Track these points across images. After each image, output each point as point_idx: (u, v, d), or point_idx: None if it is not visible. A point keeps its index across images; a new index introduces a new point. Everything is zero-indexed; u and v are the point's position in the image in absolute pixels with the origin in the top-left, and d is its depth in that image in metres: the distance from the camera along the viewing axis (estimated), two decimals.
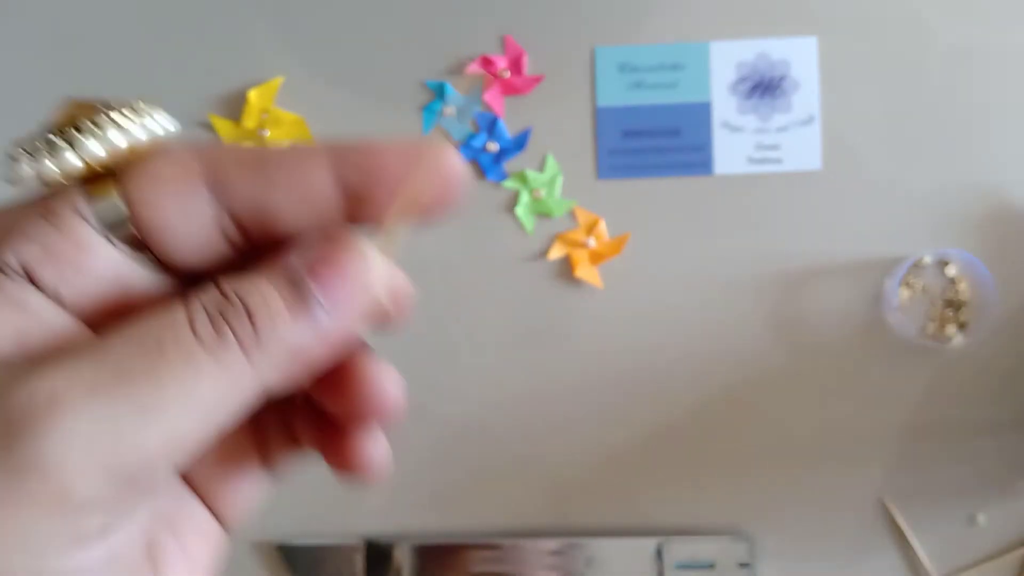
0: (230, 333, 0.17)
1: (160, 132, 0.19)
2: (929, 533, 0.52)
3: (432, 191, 0.19)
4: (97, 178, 0.18)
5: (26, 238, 0.17)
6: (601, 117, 0.52)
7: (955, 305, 0.52)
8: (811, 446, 0.52)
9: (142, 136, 0.19)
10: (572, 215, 0.52)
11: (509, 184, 0.52)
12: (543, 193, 0.52)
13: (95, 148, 0.18)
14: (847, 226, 0.52)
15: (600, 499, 0.53)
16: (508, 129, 0.53)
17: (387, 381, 0.20)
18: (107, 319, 0.18)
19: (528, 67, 0.52)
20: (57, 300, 0.17)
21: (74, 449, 0.15)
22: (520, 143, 0.52)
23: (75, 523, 0.15)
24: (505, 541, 0.52)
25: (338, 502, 0.53)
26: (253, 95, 0.52)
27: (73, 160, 0.18)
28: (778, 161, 0.52)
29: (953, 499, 0.52)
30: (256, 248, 0.19)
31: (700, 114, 0.52)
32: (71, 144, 0.18)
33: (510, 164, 0.53)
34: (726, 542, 0.51)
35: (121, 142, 0.18)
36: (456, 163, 0.19)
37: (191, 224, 0.19)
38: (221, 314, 0.17)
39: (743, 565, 0.51)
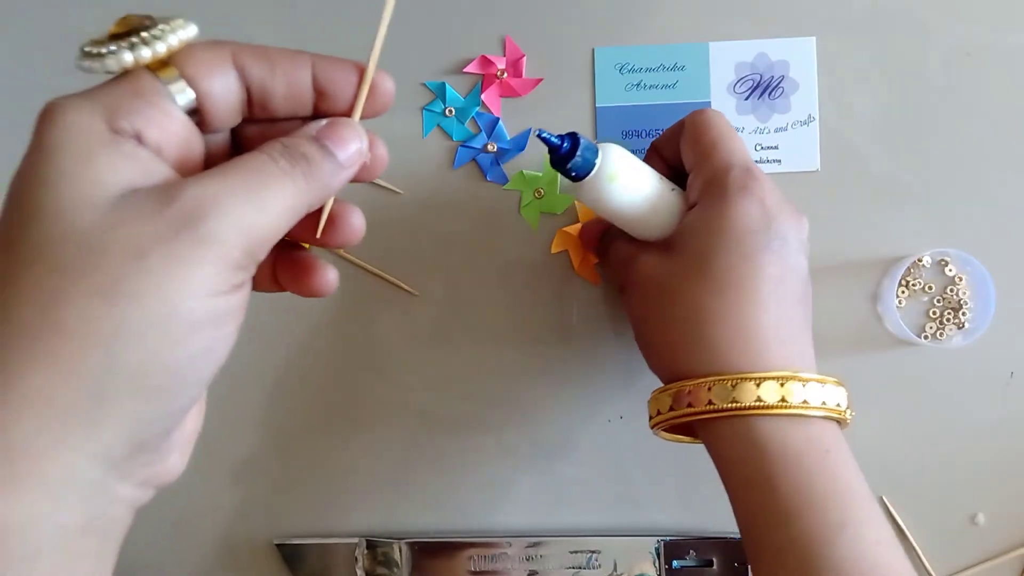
0: (298, 166, 0.27)
1: (193, 34, 0.27)
2: (929, 533, 0.52)
3: (373, 99, 0.32)
4: (161, 65, 0.27)
5: (132, 111, 0.26)
6: (601, 117, 0.52)
7: (954, 305, 0.52)
8: None
9: (185, 36, 0.27)
10: (572, 210, 0.53)
11: (510, 187, 0.52)
12: (544, 191, 0.52)
13: (158, 44, 0.26)
14: (846, 226, 0.52)
15: (600, 498, 0.53)
16: (508, 130, 0.53)
17: (357, 217, 0.32)
18: (183, 167, 0.27)
19: (528, 67, 0.53)
20: (158, 153, 0.26)
21: (232, 229, 0.25)
22: (520, 144, 0.52)
23: (231, 276, 0.25)
24: (505, 540, 0.52)
25: (338, 502, 0.53)
26: None
27: (145, 52, 0.26)
28: (777, 161, 0.52)
29: (953, 499, 0.52)
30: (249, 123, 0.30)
31: None
32: (142, 42, 0.26)
33: (509, 165, 0.53)
34: (725, 541, 0.51)
35: (173, 40, 0.26)
36: (388, 83, 0.33)
37: (227, 96, 0.28)
38: (288, 157, 0.27)
39: (741, 564, 0.51)
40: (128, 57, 0.26)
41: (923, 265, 0.52)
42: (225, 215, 0.25)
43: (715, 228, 0.41)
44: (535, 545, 0.51)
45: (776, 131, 0.52)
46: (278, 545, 0.53)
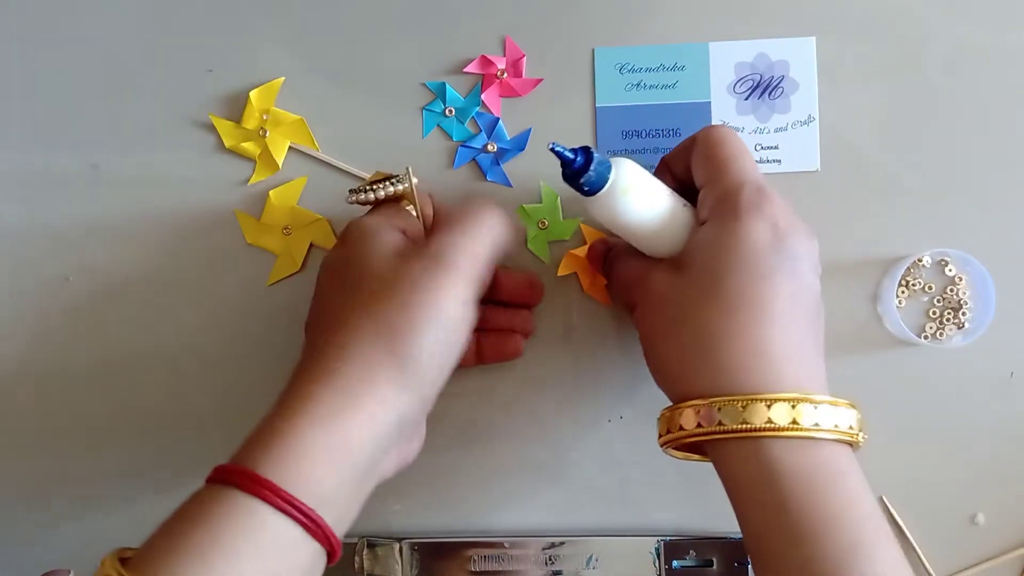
0: (495, 210, 0.44)
1: (416, 181, 0.45)
2: (929, 533, 0.52)
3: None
4: (398, 198, 0.46)
5: (397, 217, 0.45)
6: (600, 117, 0.52)
7: (954, 305, 0.52)
8: None
9: (413, 182, 0.45)
10: (579, 233, 0.52)
11: None
12: (547, 221, 0.52)
13: (400, 186, 0.45)
14: (846, 226, 0.52)
15: (600, 498, 0.53)
16: (508, 130, 0.53)
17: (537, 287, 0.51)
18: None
19: (528, 67, 0.53)
20: (415, 238, 0.44)
21: (466, 257, 0.40)
22: (520, 144, 0.52)
23: (471, 291, 0.40)
24: (505, 540, 0.52)
25: None
26: (254, 95, 0.52)
27: (390, 191, 0.45)
28: (777, 161, 0.52)
29: (953, 499, 0.52)
30: None
31: (699, 114, 0.52)
32: (394, 183, 0.45)
33: (509, 166, 0.53)
34: (725, 541, 0.51)
35: (408, 184, 0.45)
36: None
37: (427, 212, 0.47)
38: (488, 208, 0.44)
39: (741, 564, 0.51)
40: (390, 190, 0.45)
41: (923, 265, 0.52)
42: (465, 257, 0.40)
43: (726, 247, 0.41)
44: (535, 545, 0.51)
45: (776, 131, 0.52)
46: None
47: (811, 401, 0.39)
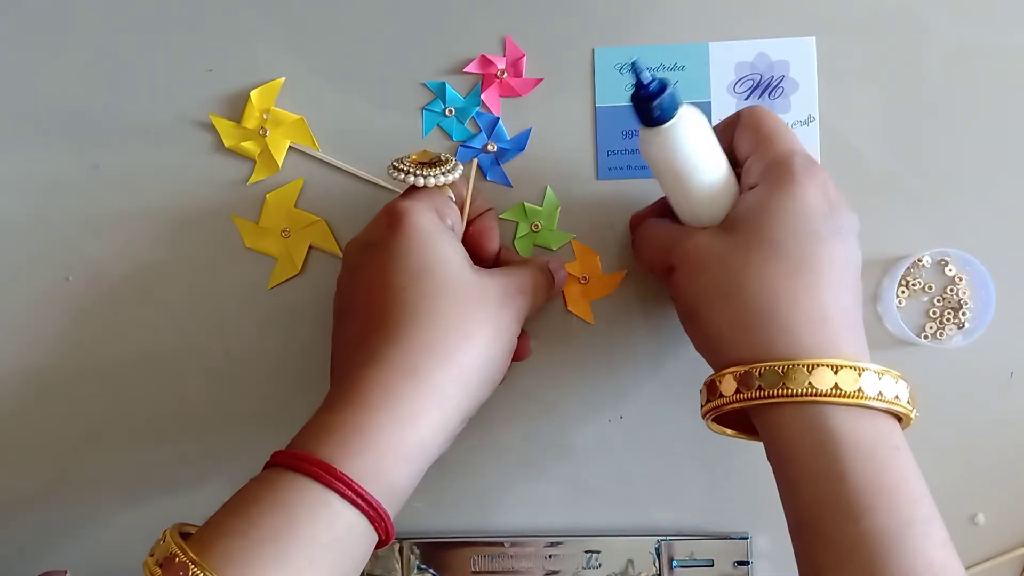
0: (545, 280, 0.48)
1: (459, 172, 0.46)
2: None
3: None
4: (440, 186, 0.46)
5: (447, 212, 0.46)
6: (601, 117, 0.52)
7: (954, 305, 0.52)
8: None
9: (459, 173, 0.46)
10: (570, 248, 0.52)
11: (508, 216, 0.52)
12: (541, 225, 0.52)
13: (450, 176, 0.46)
14: None
15: (600, 498, 0.53)
16: (508, 130, 0.53)
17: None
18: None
19: (528, 67, 0.53)
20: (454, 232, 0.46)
21: (522, 305, 0.45)
22: (520, 144, 0.52)
23: (518, 328, 0.45)
24: (505, 540, 0.52)
25: None
26: (254, 95, 0.52)
27: (444, 179, 0.45)
28: None
29: (953, 499, 0.52)
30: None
31: None
32: (446, 172, 0.46)
33: (509, 167, 0.53)
34: (725, 541, 0.51)
35: (457, 175, 0.46)
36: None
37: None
38: (544, 274, 0.48)
39: (741, 563, 0.51)
40: (441, 179, 0.45)
41: (923, 265, 0.52)
42: (516, 301, 0.44)
43: (784, 208, 0.40)
44: (535, 545, 0.51)
45: None
46: None
47: (874, 370, 0.38)
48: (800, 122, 0.52)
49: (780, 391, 0.37)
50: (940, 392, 0.52)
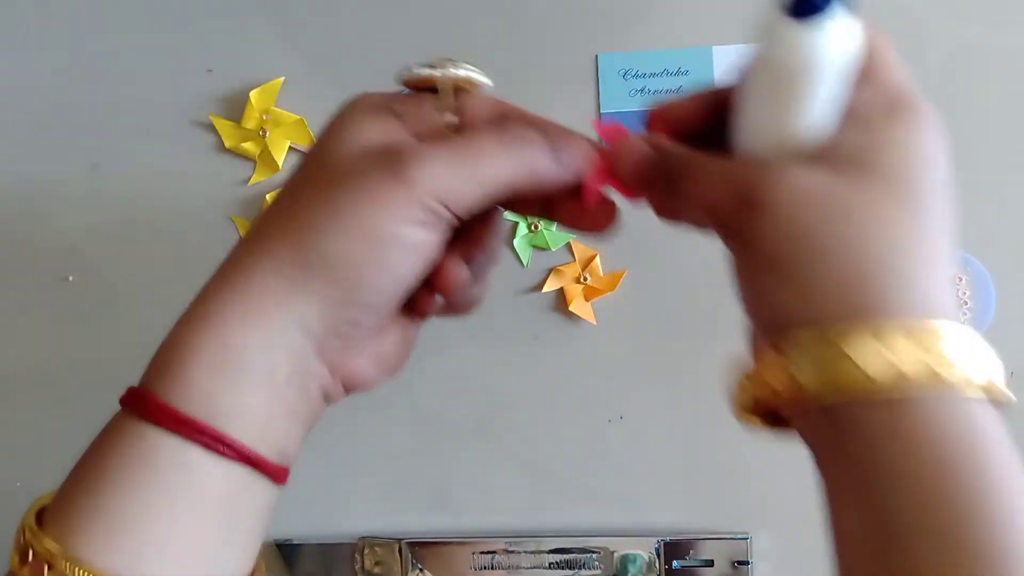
0: (514, 148, 0.34)
1: (483, 81, 0.36)
2: None
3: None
4: (448, 92, 0.36)
5: (404, 105, 0.36)
6: (605, 121, 0.52)
7: None
8: None
9: (467, 74, 0.35)
10: (568, 249, 0.52)
11: (507, 216, 0.52)
12: (540, 225, 0.52)
13: (452, 74, 0.35)
14: None
15: (600, 498, 0.53)
16: None
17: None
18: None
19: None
20: (417, 137, 0.35)
21: (427, 182, 0.32)
22: None
23: (420, 216, 0.32)
24: (505, 540, 0.52)
25: (338, 502, 0.53)
26: (254, 95, 0.52)
27: (443, 75, 0.35)
28: None
29: None
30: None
31: None
32: (441, 66, 0.35)
33: None
34: (725, 541, 0.51)
35: (461, 72, 0.35)
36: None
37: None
38: (508, 138, 0.34)
39: (741, 563, 0.51)
40: (425, 71, 0.35)
41: None
42: (426, 172, 0.32)
43: (917, 147, 0.34)
44: (535, 545, 0.51)
45: None
46: (278, 545, 0.53)
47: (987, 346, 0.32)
48: None
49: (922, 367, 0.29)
50: None
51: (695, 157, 0.36)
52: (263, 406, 0.33)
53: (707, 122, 0.37)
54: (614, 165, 0.36)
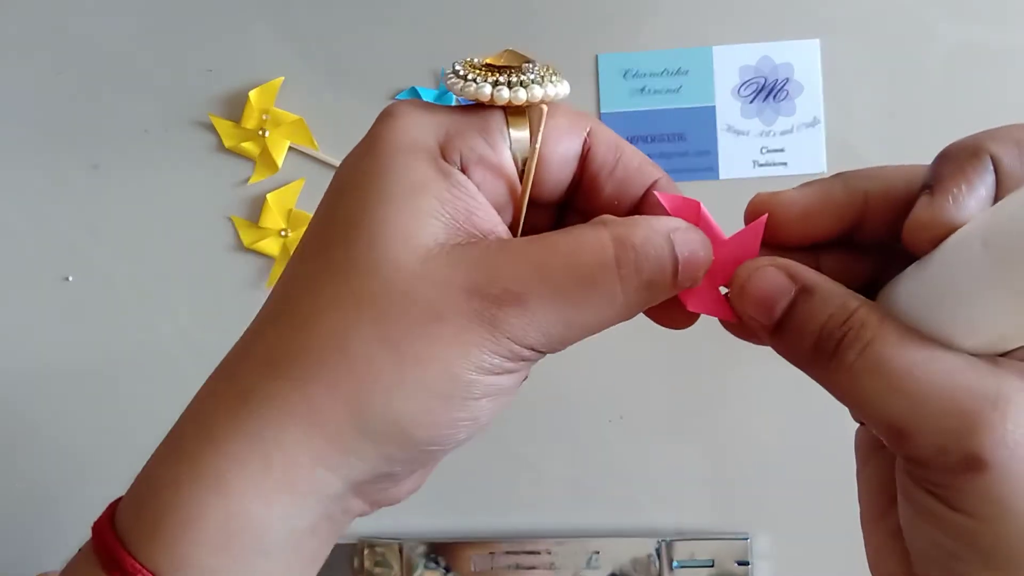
0: (634, 279, 0.24)
1: (562, 93, 0.25)
2: None
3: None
4: (517, 111, 0.25)
5: (470, 144, 0.25)
6: (606, 123, 0.52)
7: None
8: (811, 444, 0.52)
9: (552, 92, 0.25)
10: None
11: None
12: None
13: (525, 90, 0.24)
14: None
15: (600, 498, 0.53)
16: None
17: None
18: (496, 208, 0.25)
19: None
20: (479, 190, 0.25)
21: (532, 335, 0.24)
22: None
23: (502, 363, 0.24)
24: (506, 540, 0.52)
25: None
26: (254, 95, 0.52)
27: (504, 94, 0.24)
28: (783, 164, 0.52)
29: None
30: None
31: (704, 118, 0.52)
32: (510, 82, 0.25)
33: None
34: (725, 541, 0.51)
35: (539, 92, 0.24)
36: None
37: (560, 170, 0.26)
38: (634, 263, 0.23)
39: (741, 563, 0.51)
40: (487, 91, 0.24)
41: None
42: (530, 323, 0.23)
43: None
44: (536, 545, 0.52)
45: (782, 134, 0.52)
46: None
47: None
48: (805, 124, 0.52)
49: None
50: None
51: (892, 335, 0.22)
52: (276, 568, 0.25)
53: (838, 235, 0.25)
54: (738, 303, 0.25)
